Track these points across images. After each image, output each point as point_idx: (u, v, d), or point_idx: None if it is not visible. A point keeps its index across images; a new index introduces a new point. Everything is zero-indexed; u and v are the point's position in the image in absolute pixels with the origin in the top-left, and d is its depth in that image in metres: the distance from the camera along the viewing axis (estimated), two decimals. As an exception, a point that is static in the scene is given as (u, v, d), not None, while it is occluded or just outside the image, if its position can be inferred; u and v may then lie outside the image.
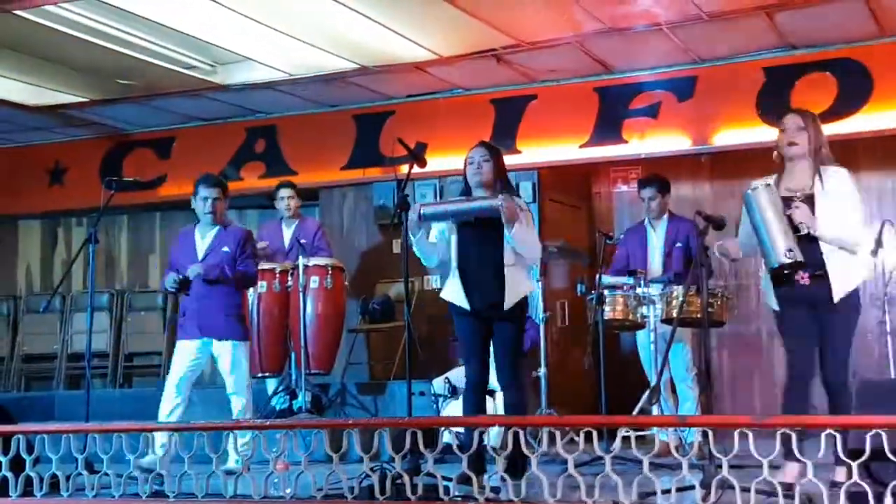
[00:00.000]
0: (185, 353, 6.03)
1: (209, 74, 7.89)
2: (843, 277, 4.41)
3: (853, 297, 4.46)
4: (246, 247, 6.15)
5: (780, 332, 4.70)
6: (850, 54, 7.20)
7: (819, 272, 4.39)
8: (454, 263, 5.07)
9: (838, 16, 6.73)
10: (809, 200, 4.43)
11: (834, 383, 4.43)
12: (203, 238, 6.14)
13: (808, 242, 4.38)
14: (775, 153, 4.64)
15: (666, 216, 6.52)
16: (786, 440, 3.59)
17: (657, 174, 6.73)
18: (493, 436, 5.69)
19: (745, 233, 4.63)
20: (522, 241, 4.90)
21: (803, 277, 4.41)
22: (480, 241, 4.98)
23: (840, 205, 4.41)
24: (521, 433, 3.67)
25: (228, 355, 6.04)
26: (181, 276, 5.98)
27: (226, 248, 6.08)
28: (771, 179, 4.57)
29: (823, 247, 4.40)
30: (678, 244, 6.44)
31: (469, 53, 7.43)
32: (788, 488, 3.44)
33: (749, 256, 4.69)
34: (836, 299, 4.38)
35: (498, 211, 4.79)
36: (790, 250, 4.26)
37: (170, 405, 5.94)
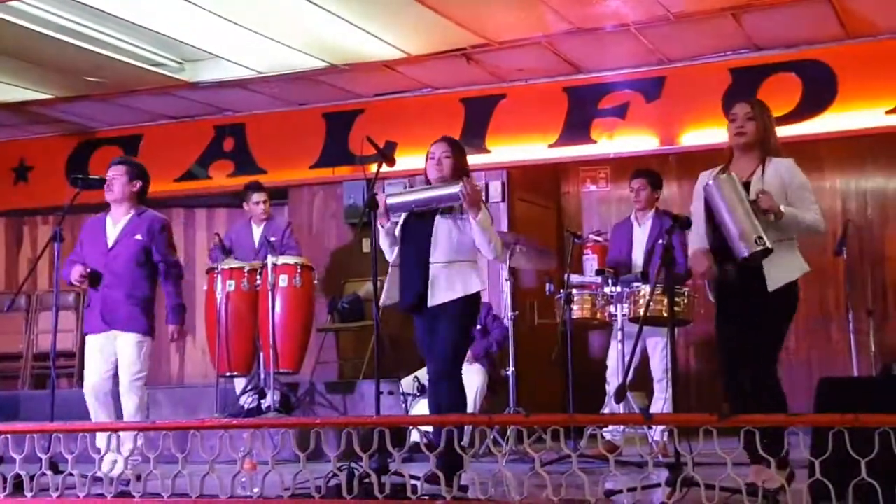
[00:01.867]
0: (96, 350, 5.69)
1: (177, 72, 7.83)
2: (781, 269, 4.33)
3: (790, 290, 4.37)
4: (161, 236, 5.76)
5: (715, 323, 4.59)
6: (815, 56, 7.28)
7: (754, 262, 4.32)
8: (397, 260, 4.95)
9: (804, 17, 6.80)
10: (745, 188, 4.35)
11: (759, 376, 4.33)
12: (115, 224, 5.80)
13: None
14: (726, 144, 4.62)
15: (652, 212, 6.48)
16: (749, 442, 3.59)
17: (651, 168, 6.73)
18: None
19: (701, 225, 4.53)
20: (485, 229, 4.75)
21: (732, 271, 4.37)
22: (414, 236, 4.88)
23: (791, 192, 4.37)
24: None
25: (128, 349, 5.61)
26: (89, 270, 5.63)
27: (138, 237, 5.72)
28: (717, 169, 4.52)
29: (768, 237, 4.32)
30: (661, 241, 6.42)
31: (438, 52, 7.43)
32: (753, 488, 3.47)
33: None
34: (770, 289, 4.30)
35: (458, 198, 4.71)
36: (760, 237, 4.23)
37: (93, 412, 5.64)
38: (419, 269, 4.80)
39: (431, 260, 4.77)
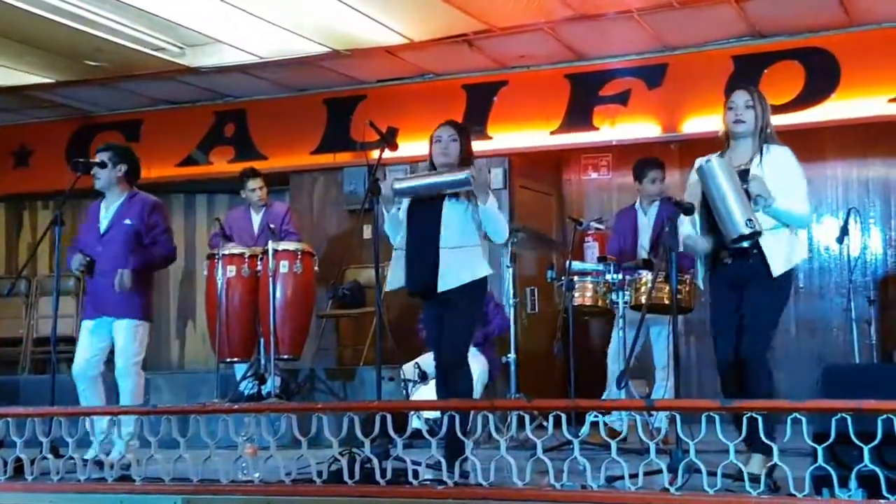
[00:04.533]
0: (87, 333, 5.67)
1: (178, 57, 7.80)
2: (781, 256, 4.37)
3: (785, 277, 4.40)
4: (152, 219, 5.71)
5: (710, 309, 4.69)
6: (818, 43, 7.26)
7: (752, 249, 4.37)
8: (402, 244, 4.89)
9: (807, 5, 6.79)
10: (744, 175, 4.38)
11: (748, 360, 4.37)
12: (107, 210, 5.76)
13: None
14: (721, 130, 4.64)
15: (658, 200, 6.44)
16: (752, 428, 3.57)
17: (641, 162, 6.59)
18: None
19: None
20: (495, 216, 4.73)
21: (726, 256, 4.43)
22: (421, 220, 4.82)
23: (785, 182, 4.37)
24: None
25: (123, 334, 5.61)
26: (88, 259, 5.61)
27: (127, 221, 5.67)
28: (713, 156, 4.53)
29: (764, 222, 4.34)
30: (667, 228, 6.37)
31: (441, 38, 7.41)
32: (755, 478, 3.45)
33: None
34: (775, 275, 4.34)
35: (469, 183, 4.66)
36: (750, 220, 4.24)
37: (81, 393, 5.61)
38: (427, 254, 4.74)
39: (441, 245, 4.72)
